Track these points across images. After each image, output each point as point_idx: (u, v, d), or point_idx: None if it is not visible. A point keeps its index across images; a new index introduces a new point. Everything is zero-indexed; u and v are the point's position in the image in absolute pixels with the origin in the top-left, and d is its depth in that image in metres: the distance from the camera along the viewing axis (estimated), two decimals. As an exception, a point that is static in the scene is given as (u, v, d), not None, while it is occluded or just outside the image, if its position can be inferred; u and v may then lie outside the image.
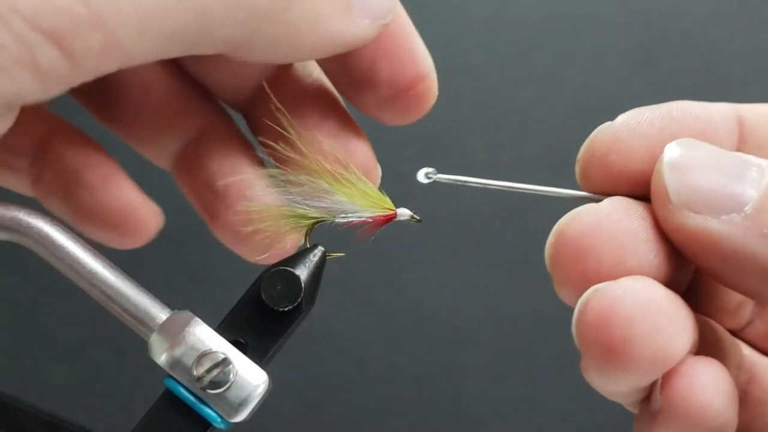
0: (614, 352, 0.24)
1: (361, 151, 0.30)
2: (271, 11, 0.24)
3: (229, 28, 0.23)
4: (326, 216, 0.30)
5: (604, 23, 0.87)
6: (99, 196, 0.30)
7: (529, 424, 0.79)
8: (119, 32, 0.20)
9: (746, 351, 0.31)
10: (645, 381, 0.25)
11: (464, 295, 0.81)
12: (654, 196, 0.26)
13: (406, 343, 0.79)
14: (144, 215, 0.31)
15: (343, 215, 0.30)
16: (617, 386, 0.26)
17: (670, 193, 0.25)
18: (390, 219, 0.30)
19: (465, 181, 0.30)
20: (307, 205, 0.30)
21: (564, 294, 0.27)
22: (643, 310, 0.24)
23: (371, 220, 0.30)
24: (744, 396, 0.29)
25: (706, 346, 0.27)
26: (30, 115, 0.30)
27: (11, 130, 0.27)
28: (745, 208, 0.24)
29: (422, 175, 0.30)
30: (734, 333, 0.31)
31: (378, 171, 0.31)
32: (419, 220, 0.30)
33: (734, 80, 0.85)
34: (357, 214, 0.30)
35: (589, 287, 0.25)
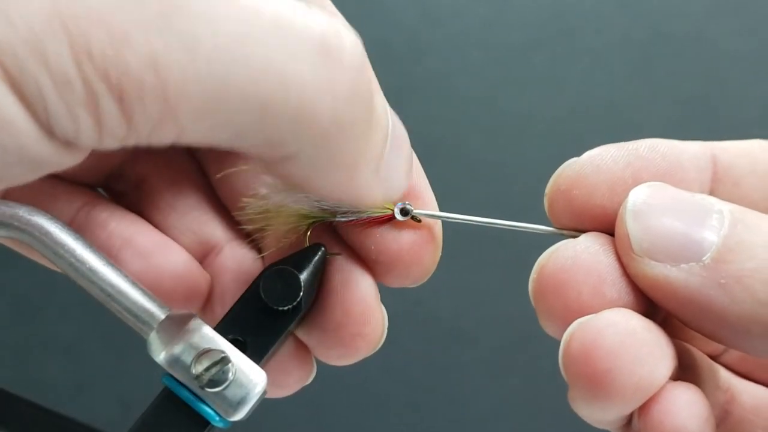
0: (599, 383, 0.25)
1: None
2: (329, 136, 0.24)
3: (284, 135, 0.23)
4: (326, 215, 0.30)
5: (604, 24, 0.87)
6: (154, 261, 0.30)
7: (527, 424, 0.79)
8: (179, 109, 0.21)
9: (725, 373, 0.31)
10: (629, 409, 0.26)
11: (463, 295, 0.81)
12: (618, 243, 0.27)
13: (404, 343, 0.79)
14: (197, 280, 0.31)
15: (343, 215, 0.30)
16: (603, 415, 0.27)
17: (632, 242, 0.26)
18: (389, 219, 0.30)
19: (443, 217, 0.30)
20: (307, 205, 0.30)
21: (548, 327, 0.28)
22: (625, 341, 0.25)
23: (370, 220, 0.30)
24: (725, 416, 0.30)
25: (685, 369, 0.28)
26: (69, 188, 0.31)
27: (53, 198, 0.28)
28: (704, 258, 0.25)
29: (398, 211, 0.30)
30: (713, 358, 0.32)
31: (381, 319, 0.31)
32: (419, 220, 0.30)
33: (734, 81, 0.85)
34: (356, 214, 0.30)
35: (571, 320, 0.26)
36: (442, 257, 0.31)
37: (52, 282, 0.79)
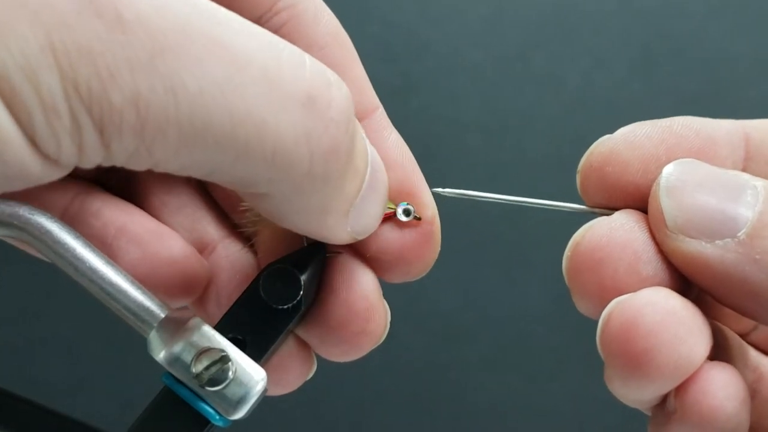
0: (638, 362, 0.25)
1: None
2: (302, 186, 0.24)
3: (256, 179, 0.24)
4: None
5: (604, 23, 0.87)
6: (149, 249, 0.30)
7: (526, 423, 0.79)
8: (155, 145, 0.22)
9: (753, 352, 0.31)
10: (666, 388, 0.26)
11: (463, 293, 0.81)
12: (651, 220, 0.27)
13: (404, 341, 0.79)
14: (195, 268, 0.31)
15: None
16: (639, 394, 0.27)
17: (666, 219, 0.26)
18: (390, 217, 0.30)
19: (472, 195, 0.30)
20: None
21: (583, 305, 0.28)
22: (664, 320, 0.25)
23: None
24: (753, 395, 0.30)
25: (716, 347, 0.27)
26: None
27: (46, 188, 0.28)
28: (739, 234, 0.25)
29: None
30: (741, 336, 0.32)
31: (383, 316, 0.31)
32: (418, 219, 0.30)
33: (734, 81, 0.85)
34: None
35: (606, 298, 0.26)
36: (443, 253, 0.31)
37: (52, 282, 0.79)
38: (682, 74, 0.85)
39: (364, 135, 0.27)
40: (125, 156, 0.22)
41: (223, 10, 0.23)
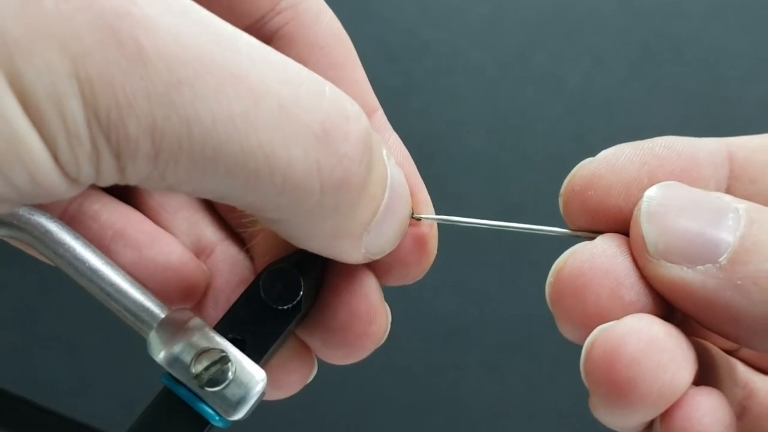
0: (621, 391, 0.25)
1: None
2: (312, 214, 0.24)
3: (266, 206, 0.24)
4: None
5: (604, 23, 0.87)
6: (146, 253, 0.30)
7: (526, 424, 0.79)
8: (167, 172, 0.22)
9: (742, 368, 0.31)
10: (651, 415, 0.26)
11: (463, 295, 0.81)
12: (633, 245, 0.27)
13: (404, 343, 0.79)
14: (193, 273, 0.31)
15: None
16: (625, 422, 0.26)
17: (647, 244, 0.26)
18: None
19: (451, 221, 0.30)
20: None
21: (566, 330, 0.28)
22: (647, 348, 0.25)
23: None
24: (744, 412, 0.30)
25: (703, 368, 0.27)
26: None
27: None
28: (720, 259, 0.25)
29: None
30: (730, 353, 0.31)
31: (386, 321, 0.31)
32: (418, 219, 0.30)
33: (734, 81, 0.85)
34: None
35: (590, 323, 0.26)
36: (443, 257, 0.31)
37: (52, 282, 0.79)
38: (682, 74, 0.85)
39: (386, 156, 0.27)
40: (139, 178, 0.22)
41: (244, 36, 0.23)
